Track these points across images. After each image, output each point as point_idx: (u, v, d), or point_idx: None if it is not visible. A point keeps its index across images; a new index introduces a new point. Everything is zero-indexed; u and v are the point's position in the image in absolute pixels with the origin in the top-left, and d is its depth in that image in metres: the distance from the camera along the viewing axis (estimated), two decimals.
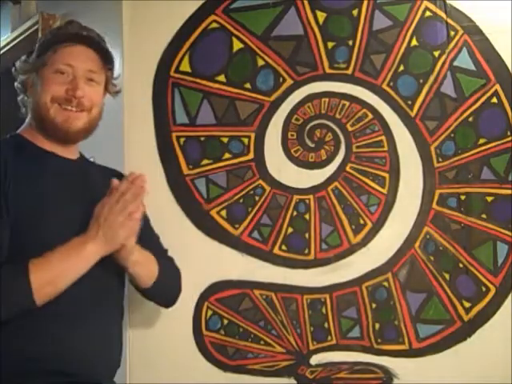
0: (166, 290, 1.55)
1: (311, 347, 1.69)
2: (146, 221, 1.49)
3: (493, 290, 1.65)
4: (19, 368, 1.24)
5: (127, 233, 1.32)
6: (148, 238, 1.51)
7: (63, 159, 1.43)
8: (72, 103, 1.39)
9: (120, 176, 1.53)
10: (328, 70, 1.75)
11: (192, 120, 1.79)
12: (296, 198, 1.73)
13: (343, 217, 1.70)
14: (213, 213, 1.75)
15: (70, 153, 1.46)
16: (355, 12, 1.74)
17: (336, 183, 1.72)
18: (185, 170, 1.78)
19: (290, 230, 1.72)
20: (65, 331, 1.28)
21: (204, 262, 1.73)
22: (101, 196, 1.36)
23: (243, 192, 1.75)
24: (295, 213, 1.72)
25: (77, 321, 1.30)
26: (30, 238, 1.29)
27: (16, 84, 1.47)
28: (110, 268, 1.36)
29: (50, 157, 1.42)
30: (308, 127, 1.74)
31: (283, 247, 1.72)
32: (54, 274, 1.26)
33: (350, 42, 1.74)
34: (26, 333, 1.25)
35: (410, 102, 1.72)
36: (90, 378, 1.30)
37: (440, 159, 1.70)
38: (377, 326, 1.66)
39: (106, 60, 1.45)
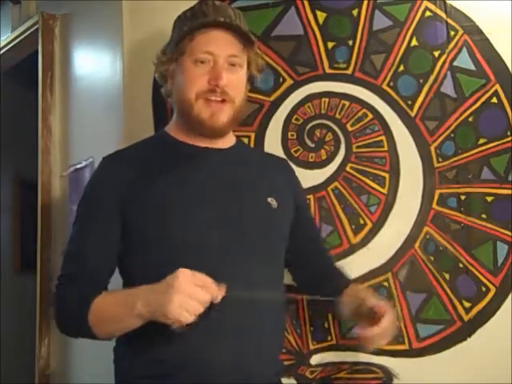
0: None
1: (311, 347, 1.69)
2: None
3: (493, 290, 1.65)
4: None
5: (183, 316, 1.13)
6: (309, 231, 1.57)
7: (211, 150, 1.39)
8: (216, 93, 1.33)
9: (282, 163, 1.56)
10: (328, 70, 1.75)
11: None
12: None
13: (343, 217, 1.70)
14: None
15: (222, 142, 1.42)
16: (355, 12, 1.74)
17: (336, 183, 1.72)
18: None
19: None
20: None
21: None
22: (252, 188, 1.37)
23: None
24: None
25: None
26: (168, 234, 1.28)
27: (156, 75, 1.43)
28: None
29: (194, 150, 1.38)
30: (308, 127, 1.74)
31: None
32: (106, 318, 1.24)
33: (350, 42, 1.74)
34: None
35: (410, 102, 1.72)
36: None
37: (440, 159, 1.70)
38: None
39: (247, 41, 1.37)
